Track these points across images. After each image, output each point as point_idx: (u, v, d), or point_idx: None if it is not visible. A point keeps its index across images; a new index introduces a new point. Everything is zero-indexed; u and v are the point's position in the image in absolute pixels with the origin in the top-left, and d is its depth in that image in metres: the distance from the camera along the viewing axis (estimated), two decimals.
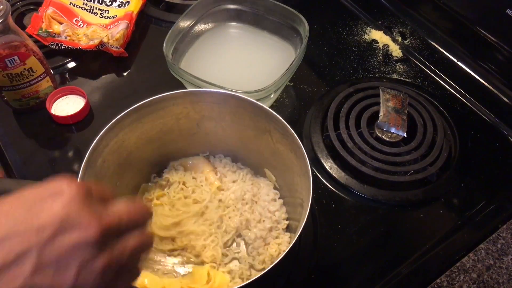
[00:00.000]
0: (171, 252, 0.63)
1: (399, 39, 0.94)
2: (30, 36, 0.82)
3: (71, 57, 0.87)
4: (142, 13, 0.94)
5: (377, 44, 0.94)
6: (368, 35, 0.95)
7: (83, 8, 0.90)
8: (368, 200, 0.70)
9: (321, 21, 0.97)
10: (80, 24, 0.88)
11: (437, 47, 0.92)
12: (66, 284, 0.33)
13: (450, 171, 0.74)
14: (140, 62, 0.88)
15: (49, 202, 0.35)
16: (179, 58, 0.80)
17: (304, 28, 0.78)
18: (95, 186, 0.39)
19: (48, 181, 0.37)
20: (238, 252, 0.63)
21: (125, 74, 0.87)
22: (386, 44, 0.93)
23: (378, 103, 0.78)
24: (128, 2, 0.91)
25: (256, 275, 0.53)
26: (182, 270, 0.62)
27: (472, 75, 0.87)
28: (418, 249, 0.66)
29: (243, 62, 0.84)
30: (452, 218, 0.69)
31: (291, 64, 0.73)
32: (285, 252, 0.48)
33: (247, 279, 0.59)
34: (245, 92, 0.69)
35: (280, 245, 0.61)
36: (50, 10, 0.87)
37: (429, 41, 0.93)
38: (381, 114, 0.76)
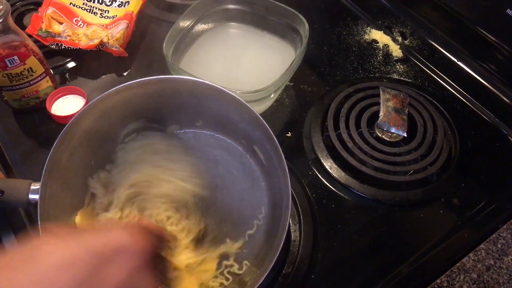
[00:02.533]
0: None
1: (399, 39, 0.94)
2: (30, 36, 0.82)
3: (71, 57, 0.87)
4: (142, 13, 0.94)
5: (377, 44, 0.94)
6: (368, 35, 0.95)
7: (83, 8, 0.90)
8: (368, 200, 0.71)
9: (321, 21, 0.97)
10: (80, 24, 0.88)
11: (437, 47, 0.92)
12: None
13: (450, 171, 0.74)
14: (140, 62, 0.88)
15: (112, 262, 0.36)
16: (179, 58, 0.80)
17: (304, 28, 0.78)
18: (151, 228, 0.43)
19: (110, 231, 0.40)
20: None
21: (125, 74, 0.87)
22: (386, 44, 0.93)
23: (378, 103, 0.78)
24: (128, 2, 0.91)
25: None
26: None
27: (472, 75, 0.87)
28: (418, 249, 0.66)
29: (243, 62, 0.84)
30: (452, 218, 0.69)
31: (291, 64, 0.73)
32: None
33: None
34: (245, 92, 0.69)
35: None
36: (50, 10, 0.87)
37: (429, 41, 0.93)
38: (381, 114, 0.76)
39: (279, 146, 0.53)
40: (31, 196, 0.53)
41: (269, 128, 0.55)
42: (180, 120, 0.67)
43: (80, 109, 0.55)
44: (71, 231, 0.39)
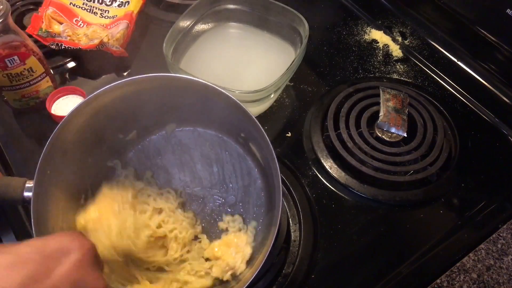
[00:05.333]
0: None
1: (399, 39, 0.94)
2: (30, 36, 0.82)
3: (71, 57, 0.87)
4: (142, 13, 0.94)
5: (377, 44, 0.94)
6: (368, 35, 0.95)
7: (83, 8, 0.90)
8: (368, 200, 0.70)
9: (321, 21, 0.97)
10: (80, 24, 0.88)
11: (437, 47, 0.92)
12: None
13: (450, 171, 0.74)
14: (140, 62, 0.88)
15: (59, 260, 0.40)
16: (179, 58, 0.80)
17: (304, 28, 0.78)
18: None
19: (56, 236, 0.42)
20: None
21: (125, 74, 0.87)
22: (386, 44, 0.93)
23: (378, 103, 0.78)
24: (128, 2, 0.91)
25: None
26: None
27: (472, 75, 0.87)
28: (418, 249, 0.66)
29: (243, 62, 0.84)
30: (452, 218, 0.69)
31: (291, 64, 0.73)
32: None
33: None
34: (245, 92, 0.69)
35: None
36: (50, 10, 0.87)
37: (429, 41, 0.93)
38: (381, 114, 0.76)
39: (265, 135, 0.53)
40: (26, 194, 0.54)
41: (255, 118, 0.54)
42: (178, 118, 0.67)
43: (72, 108, 0.56)
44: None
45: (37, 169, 0.53)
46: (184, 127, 0.68)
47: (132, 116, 0.63)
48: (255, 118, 0.54)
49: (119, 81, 0.56)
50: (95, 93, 0.56)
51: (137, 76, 0.56)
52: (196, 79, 0.57)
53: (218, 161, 0.67)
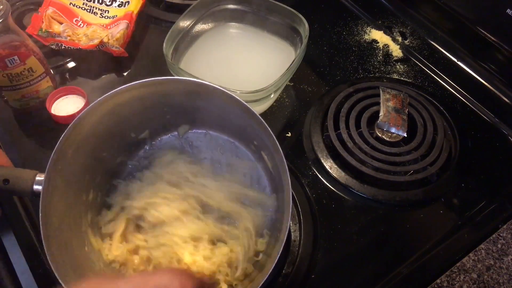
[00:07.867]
0: None
1: (399, 39, 0.94)
2: (30, 36, 0.82)
3: (71, 57, 0.87)
4: (142, 13, 0.94)
5: (377, 44, 0.94)
6: (368, 35, 0.95)
7: (83, 8, 0.90)
8: (368, 200, 0.71)
9: (321, 21, 0.97)
10: (80, 24, 0.88)
11: (437, 47, 0.92)
12: None
13: (450, 171, 0.74)
14: (140, 62, 0.88)
15: None
16: (179, 58, 0.80)
17: (304, 28, 0.78)
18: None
19: (157, 273, 0.42)
20: None
21: (125, 74, 0.87)
22: (386, 44, 0.93)
23: (378, 103, 0.78)
24: (128, 2, 0.91)
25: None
26: None
27: (472, 75, 0.87)
28: (418, 249, 0.66)
29: (243, 62, 0.84)
30: (452, 218, 0.70)
31: (291, 64, 0.73)
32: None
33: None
34: (245, 92, 0.69)
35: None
36: (50, 10, 0.87)
37: (429, 41, 0.93)
38: (381, 114, 0.76)
39: (277, 143, 0.53)
40: (35, 187, 0.54)
41: (267, 125, 0.54)
42: (191, 120, 0.67)
43: (89, 105, 0.56)
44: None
45: (49, 161, 0.53)
46: (197, 129, 0.68)
47: (146, 116, 0.63)
48: (266, 125, 0.54)
49: (139, 81, 0.56)
50: (115, 90, 0.56)
51: (159, 78, 0.57)
52: (211, 84, 0.56)
53: (228, 166, 0.66)
